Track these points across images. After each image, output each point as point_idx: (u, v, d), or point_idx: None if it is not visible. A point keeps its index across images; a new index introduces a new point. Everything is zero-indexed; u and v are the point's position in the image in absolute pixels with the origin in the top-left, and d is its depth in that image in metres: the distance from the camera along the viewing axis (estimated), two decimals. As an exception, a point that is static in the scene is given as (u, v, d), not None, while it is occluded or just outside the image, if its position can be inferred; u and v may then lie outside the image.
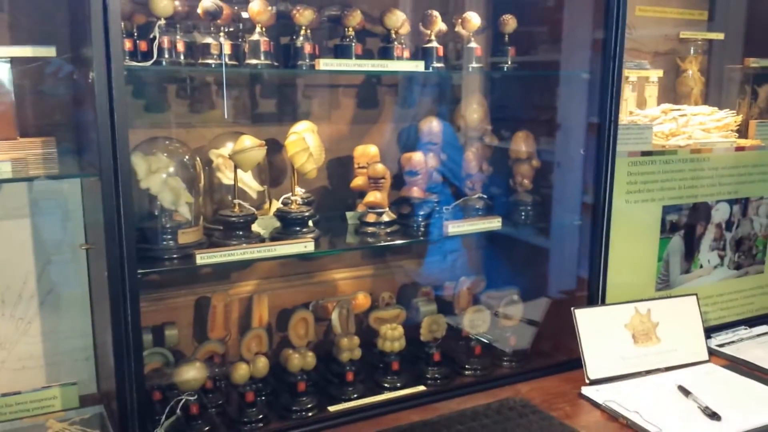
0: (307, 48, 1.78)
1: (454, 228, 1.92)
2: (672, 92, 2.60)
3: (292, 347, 1.81)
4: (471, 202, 2.09)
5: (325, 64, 1.75)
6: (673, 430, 1.60)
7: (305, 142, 1.78)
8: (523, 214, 2.12)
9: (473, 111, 2.19)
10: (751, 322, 2.31)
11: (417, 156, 1.99)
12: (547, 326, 2.11)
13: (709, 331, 2.17)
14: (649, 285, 2.12)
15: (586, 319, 1.91)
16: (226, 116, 1.94)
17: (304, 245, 1.70)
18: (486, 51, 2.18)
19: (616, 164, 1.98)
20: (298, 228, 1.76)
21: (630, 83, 2.41)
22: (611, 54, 1.92)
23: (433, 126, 2.10)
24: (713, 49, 2.66)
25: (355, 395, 1.79)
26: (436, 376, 1.91)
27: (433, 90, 2.28)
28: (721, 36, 2.61)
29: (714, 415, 1.66)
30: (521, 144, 2.13)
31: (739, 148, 2.25)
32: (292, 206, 1.80)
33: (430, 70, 1.95)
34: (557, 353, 2.06)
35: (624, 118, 2.29)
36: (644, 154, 2.07)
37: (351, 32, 1.86)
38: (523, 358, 2.05)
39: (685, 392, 1.79)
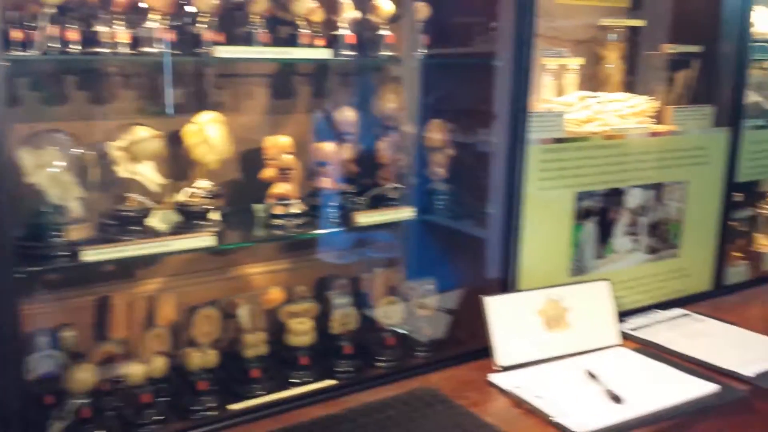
0: (208, 35, 1.73)
1: (364, 218, 1.89)
2: (594, 80, 2.61)
3: (196, 345, 1.77)
4: (385, 192, 2.06)
5: (223, 51, 1.70)
6: (574, 413, 1.61)
7: (204, 133, 1.73)
8: (438, 203, 2.10)
9: (388, 100, 2.17)
10: (665, 305, 2.34)
11: (326, 146, 1.96)
12: (463, 314, 2.10)
13: (624, 315, 2.19)
14: (563, 271, 2.12)
15: (496, 306, 1.90)
16: (169, 110, 1.86)
17: (204, 239, 1.65)
18: (405, 39, 2.16)
19: (529, 152, 1.98)
20: (199, 221, 1.72)
21: (549, 71, 2.41)
22: (522, 42, 1.92)
23: (347, 116, 2.07)
24: (635, 36, 2.68)
25: (262, 392, 1.76)
26: (348, 369, 1.88)
27: (349, 79, 2.25)
28: (641, 23, 2.63)
29: (616, 399, 1.67)
30: (435, 133, 2.12)
31: (654, 134, 2.27)
32: (194, 199, 1.76)
33: (339, 58, 1.91)
34: (472, 341, 2.04)
35: (540, 106, 2.29)
36: (557, 141, 2.07)
37: (257, 19, 1.81)
38: (439, 347, 2.04)
39: (593, 377, 1.79)
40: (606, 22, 2.59)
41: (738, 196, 2.60)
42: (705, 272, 2.48)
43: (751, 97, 2.61)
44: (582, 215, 2.13)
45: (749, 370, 1.87)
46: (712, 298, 2.48)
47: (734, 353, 1.98)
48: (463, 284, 2.16)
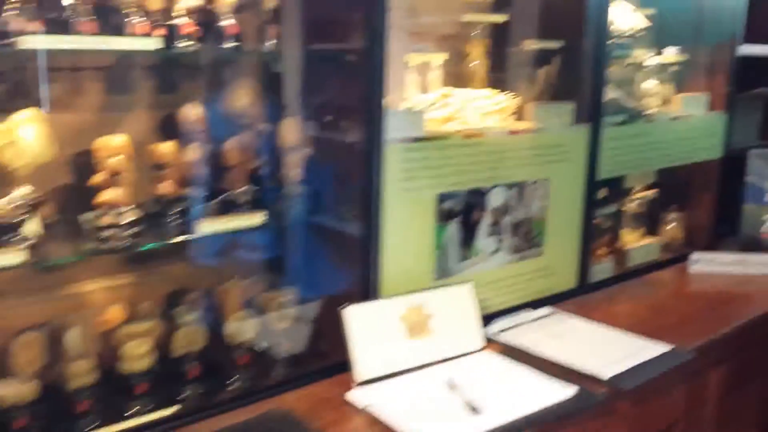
0: (16, 24, 1.52)
1: (207, 226, 1.73)
2: (459, 77, 2.56)
3: (16, 376, 1.55)
4: (235, 197, 1.90)
5: (31, 41, 1.49)
6: (430, 429, 1.52)
7: (12, 134, 1.51)
8: (293, 207, 1.97)
9: (239, 96, 2.01)
10: (533, 305, 2.31)
11: (163, 147, 1.79)
12: (325, 326, 1.98)
13: (491, 318, 2.15)
14: (427, 275, 2.04)
15: (356, 317, 1.79)
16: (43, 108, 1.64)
17: (10, 257, 1.44)
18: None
19: (388, 151, 1.89)
20: (8, 235, 1.50)
21: (412, 68, 2.34)
22: (374, 36, 1.82)
23: (193, 113, 1.90)
24: (500, 32, 2.65)
25: (91, 427, 1.56)
26: (194, 394, 1.72)
27: (197, 73, 2.07)
28: (504, 18, 2.60)
29: (474, 410, 1.60)
30: (289, 132, 1.98)
31: (514, 132, 2.24)
32: (7, 209, 1.53)
33: (173, 49, 1.74)
34: (335, 354, 1.93)
35: (401, 103, 2.21)
36: (417, 140, 1.98)
37: (79, 6, 1.62)
38: (298, 363, 1.91)
39: (453, 386, 1.72)
40: (469, 17, 2.55)
41: (602, 193, 2.63)
42: (570, 270, 2.48)
43: (611, 93, 2.64)
44: (445, 216, 2.06)
45: (608, 371, 1.85)
46: (579, 296, 2.48)
47: (596, 353, 1.97)
48: (327, 292, 2.04)
